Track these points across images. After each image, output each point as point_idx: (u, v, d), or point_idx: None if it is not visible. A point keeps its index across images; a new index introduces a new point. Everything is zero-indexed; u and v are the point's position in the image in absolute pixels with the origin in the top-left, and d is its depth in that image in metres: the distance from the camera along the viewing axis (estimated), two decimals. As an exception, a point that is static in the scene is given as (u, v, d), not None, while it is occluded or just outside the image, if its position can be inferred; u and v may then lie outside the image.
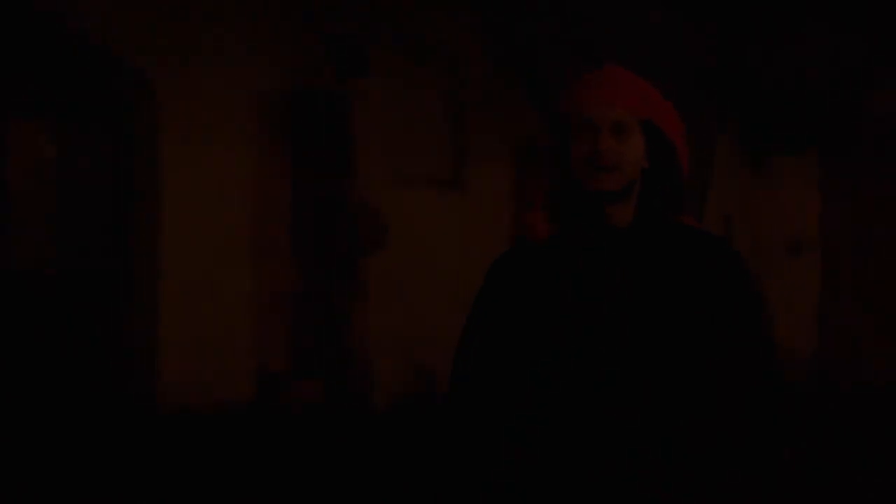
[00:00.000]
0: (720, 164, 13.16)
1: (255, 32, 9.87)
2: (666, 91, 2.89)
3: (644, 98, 2.79)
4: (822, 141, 13.64)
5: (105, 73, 9.41)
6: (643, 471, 2.69)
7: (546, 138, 2.88)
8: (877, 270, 13.72)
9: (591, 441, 2.70)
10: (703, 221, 8.25)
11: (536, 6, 10.65)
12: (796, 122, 13.38)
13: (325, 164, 10.53)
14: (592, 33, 9.99)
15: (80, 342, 9.35)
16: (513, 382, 2.79)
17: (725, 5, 10.52)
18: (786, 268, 14.06)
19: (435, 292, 10.91)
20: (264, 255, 9.99)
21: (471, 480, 2.79)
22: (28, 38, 9.04)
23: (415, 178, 10.98)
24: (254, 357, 9.87)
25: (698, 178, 8.84)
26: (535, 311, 2.79)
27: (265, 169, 10.03)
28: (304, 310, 10.37)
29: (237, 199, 9.79)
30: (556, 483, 2.72)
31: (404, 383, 10.73)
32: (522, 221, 2.93)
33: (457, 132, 11.39)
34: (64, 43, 9.16)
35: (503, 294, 2.85)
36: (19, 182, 9.26)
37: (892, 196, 13.64)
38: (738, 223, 13.57)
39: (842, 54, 12.07)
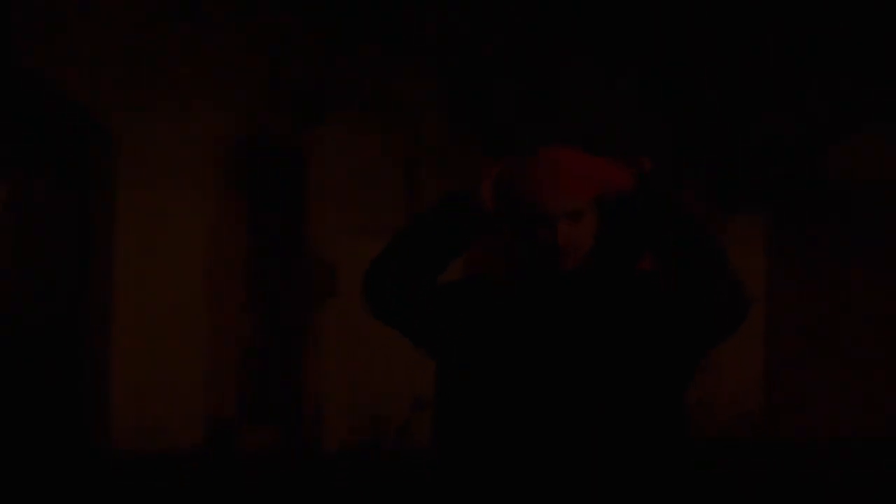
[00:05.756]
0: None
1: (213, 80, 9.93)
2: (619, 151, 2.90)
3: (590, 180, 2.73)
4: (775, 201, 13.79)
5: (62, 118, 9.43)
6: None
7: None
8: (822, 326, 13.87)
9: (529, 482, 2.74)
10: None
11: (494, 65, 10.79)
12: (755, 182, 13.55)
13: (280, 213, 10.57)
14: (550, 92, 10.14)
15: (33, 386, 9.32)
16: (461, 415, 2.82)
17: (688, 77, 10.69)
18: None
19: (387, 341, 10.90)
20: (218, 303, 10.01)
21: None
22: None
23: (369, 228, 11.03)
24: (206, 403, 9.87)
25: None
26: (480, 348, 2.80)
27: (220, 216, 10.07)
28: (256, 357, 10.38)
29: (192, 246, 9.81)
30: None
31: (357, 430, 10.75)
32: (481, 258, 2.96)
33: (411, 183, 11.46)
34: (23, 88, 9.19)
35: (455, 320, 2.89)
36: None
37: (839, 254, 13.82)
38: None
39: (801, 120, 12.28)
